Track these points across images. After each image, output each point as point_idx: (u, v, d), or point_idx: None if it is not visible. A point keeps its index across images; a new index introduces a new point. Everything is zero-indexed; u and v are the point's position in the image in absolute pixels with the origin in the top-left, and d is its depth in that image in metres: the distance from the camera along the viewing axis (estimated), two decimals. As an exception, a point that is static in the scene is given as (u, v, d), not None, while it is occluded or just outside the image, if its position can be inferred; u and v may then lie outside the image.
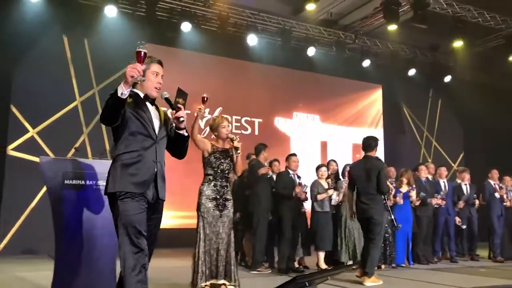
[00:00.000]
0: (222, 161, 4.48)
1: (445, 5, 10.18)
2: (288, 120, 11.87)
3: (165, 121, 2.94)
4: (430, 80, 13.07)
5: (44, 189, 7.42)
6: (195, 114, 4.48)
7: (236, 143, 4.49)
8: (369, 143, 5.65)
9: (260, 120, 11.45)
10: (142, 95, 2.88)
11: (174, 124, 2.93)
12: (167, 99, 2.89)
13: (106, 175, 3.68)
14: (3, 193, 8.15)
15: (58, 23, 8.94)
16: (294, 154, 6.53)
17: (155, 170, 2.79)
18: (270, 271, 6.16)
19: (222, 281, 4.29)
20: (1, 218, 8.10)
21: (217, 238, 4.30)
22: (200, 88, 10.29)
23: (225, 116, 4.95)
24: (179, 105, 2.85)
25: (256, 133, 11.31)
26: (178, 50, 10.43)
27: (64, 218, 3.47)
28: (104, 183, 3.63)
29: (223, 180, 4.46)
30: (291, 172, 6.34)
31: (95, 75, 9.19)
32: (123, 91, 2.52)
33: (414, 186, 7.17)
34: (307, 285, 2.93)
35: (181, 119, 2.84)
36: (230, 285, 4.34)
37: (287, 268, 6.02)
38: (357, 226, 6.39)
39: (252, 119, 11.33)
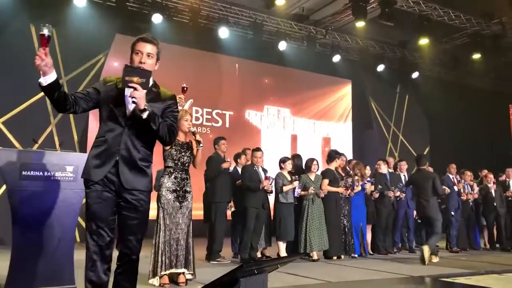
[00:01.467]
0: (183, 154, 4.59)
1: (411, 3, 10.44)
2: (259, 113, 12.02)
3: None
4: (398, 76, 13.41)
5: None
6: None
7: (198, 137, 4.62)
8: (421, 158, 7.35)
9: (231, 113, 11.56)
10: None
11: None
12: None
13: (65, 166, 3.81)
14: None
15: (26, 12, 8.80)
16: (259, 149, 6.66)
17: (117, 158, 2.61)
18: (229, 261, 6.31)
19: (181, 270, 4.42)
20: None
21: (177, 229, 4.43)
22: (172, 80, 10.39)
23: (189, 110, 5.05)
24: (131, 85, 2.50)
25: (227, 125, 11.43)
26: (149, 42, 10.40)
27: (21, 209, 3.53)
28: (63, 175, 3.76)
29: (183, 172, 4.58)
30: (255, 165, 6.49)
31: (64, 65, 9.12)
32: (41, 80, 2.43)
33: (369, 178, 7.44)
34: (256, 272, 3.09)
35: (133, 99, 2.52)
36: (189, 273, 4.49)
37: (249, 258, 6.19)
38: (317, 217, 6.62)
39: (223, 112, 11.43)
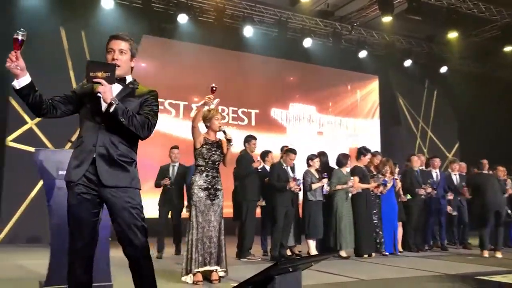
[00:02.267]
0: (213, 152, 4.61)
1: (439, -4, 10.24)
2: (284, 111, 11.98)
3: (126, 100, 2.63)
4: (426, 70, 13.17)
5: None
6: (202, 103, 4.56)
7: (229, 136, 4.64)
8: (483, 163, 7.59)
9: (257, 111, 11.56)
10: None
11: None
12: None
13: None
14: (3, 183, 8.30)
15: (56, 15, 8.99)
16: (294, 152, 6.62)
17: (94, 155, 2.55)
18: (259, 259, 6.32)
19: (214, 267, 4.45)
20: (2, 208, 8.27)
21: (209, 226, 4.46)
22: (197, 80, 10.61)
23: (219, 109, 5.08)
24: (95, 80, 2.47)
25: (253, 124, 11.43)
26: (174, 42, 10.53)
27: (58, 208, 3.59)
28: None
29: (214, 170, 4.61)
30: (284, 164, 6.48)
31: (93, 67, 9.27)
32: (15, 83, 2.44)
33: (397, 175, 7.34)
34: (291, 270, 3.08)
35: (98, 95, 2.49)
36: (221, 271, 4.51)
37: (280, 256, 6.18)
38: (348, 215, 6.57)
39: (249, 110, 11.44)
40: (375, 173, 7.13)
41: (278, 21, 11.04)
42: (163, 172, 6.78)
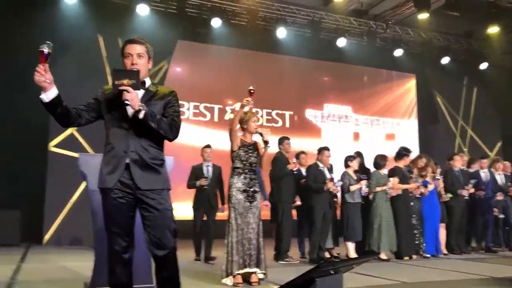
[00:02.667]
0: (251, 154, 4.62)
1: (478, -9, 9.93)
2: (319, 111, 11.88)
3: (151, 105, 2.68)
4: (464, 67, 12.77)
5: (85, 183, 7.77)
6: (240, 106, 4.58)
7: (266, 137, 4.64)
8: None
9: (291, 113, 11.52)
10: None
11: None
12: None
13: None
14: (46, 187, 8.58)
15: (93, 23, 9.24)
16: (327, 148, 6.57)
17: (127, 160, 2.62)
18: (298, 261, 6.28)
19: (254, 269, 4.45)
20: (45, 211, 8.55)
21: (248, 228, 4.46)
22: (231, 83, 10.68)
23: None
24: (121, 88, 2.52)
25: (287, 125, 11.40)
26: (208, 46, 10.63)
27: (101, 212, 3.67)
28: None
29: (252, 172, 4.61)
30: (320, 165, 6.41)
31: (130, 73, 9.46)
32: (42, 96, 2.46)
33: (439, 176, 7.15)
34: (332, 273, 3.04)
35: (126, 102, 2.53)
36: (261, 273, 4.50)
37: (318, 258, 6.12)
38: (387, 217, 6.45)
39: (283, 112, 11.42)
40: (414, 174, 6.95)
41: (311, 21, 10.98)
42: (197, 172, 6.50)
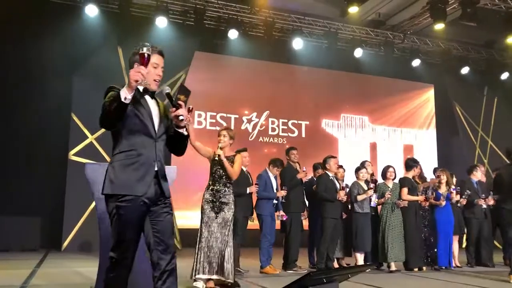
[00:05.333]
0: (219, 167, 4.82)
1: (496, 1, 9.82)
2: (335, 122, 11.90)
3: (165, 116, 2.77)
4: (485, 77, 12.61)
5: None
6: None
7: (218, 151, 4.80)
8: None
9: (307, 123, 11.57)
10: (141, 88, 2.68)
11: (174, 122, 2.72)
12: (168, 95, 2.69)
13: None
14: (66, 195, 8.83)
15: (113, 35, 9.54)
16: (334, 157, 6.61)
17: (156, 169, 2.65)
18: (305, 271, 6.29)
19: (215, 277, 4.63)
20: (65, 218, 8.79)
21: (211, 237, 4.68)
22: (247, 94, 10.81)
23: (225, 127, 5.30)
24: (179, 102, 2.64)
25: (303, 135, 11.45)
26: (225, 57, 10.80)
27: (107, 219, 3.78)
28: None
29: (220, 185, 4.81)
30: (330, 175, 6.45)
31: (148, 83, 9.66)
32: (127, 95, 2.42)
33: (454, 187, 7.06)
34: (325, 281, 3.06)
35: (180, 117, 2.62)
36: (227, 281, 4.65)
37: (326, 268, 6.13)
38: (396, 227, 6.42)
39: (299, 122, 11.48)
40: (419, 183, 6.89)
41: (328, 32, 11.04)
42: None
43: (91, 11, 9.12)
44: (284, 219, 6.34)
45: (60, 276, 5.53)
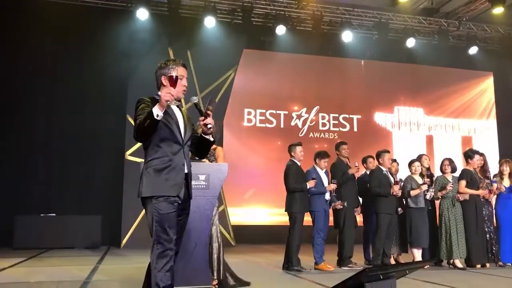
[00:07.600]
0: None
1: (562, -21, 9.21)
2: (388, 114, 11.59)
3: (189, 123, 3.04)
4: (549, 63, 11.85)
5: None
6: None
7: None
8: None
9: (359, 117, 11.34)
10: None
11: (201, 129, 3.00)
12: (196, 105, 2.93)
13: (198, 175, 4.10)
14: (123, 193, 9.15)
15: (164, 37, 9.79)
16: (387, 151, 6.43)
17: (186, 171, 2.92)
18: (361, 267, 6.16)
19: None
20: (123, 215, 9.11)
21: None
22: (297, 89, 10.75)
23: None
24: (208, 112, 2.89)
25: (355, 129, 11.24)
26: (274, 53, 10.78)
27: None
28: (196, 183, 4.05)
29: None
30: (384, 169, 6.28)
31: (198, 83, 9.82)
32: (159, 113, 2.68)
33: None
34: (382, 278, 2.98)
35: (209, 125, 2.91)
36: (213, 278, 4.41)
37: (382, 264, 5.98)
38: (457, 222, 6.17)
39: (351, 116, 11.27)
40: (481, 176, 6.56)
41: (378, 23, 10.77)
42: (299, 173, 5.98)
43: (142, 14, 9.38)
44: (341, 207, 6.22)
45: (119, 272, 5.74)
